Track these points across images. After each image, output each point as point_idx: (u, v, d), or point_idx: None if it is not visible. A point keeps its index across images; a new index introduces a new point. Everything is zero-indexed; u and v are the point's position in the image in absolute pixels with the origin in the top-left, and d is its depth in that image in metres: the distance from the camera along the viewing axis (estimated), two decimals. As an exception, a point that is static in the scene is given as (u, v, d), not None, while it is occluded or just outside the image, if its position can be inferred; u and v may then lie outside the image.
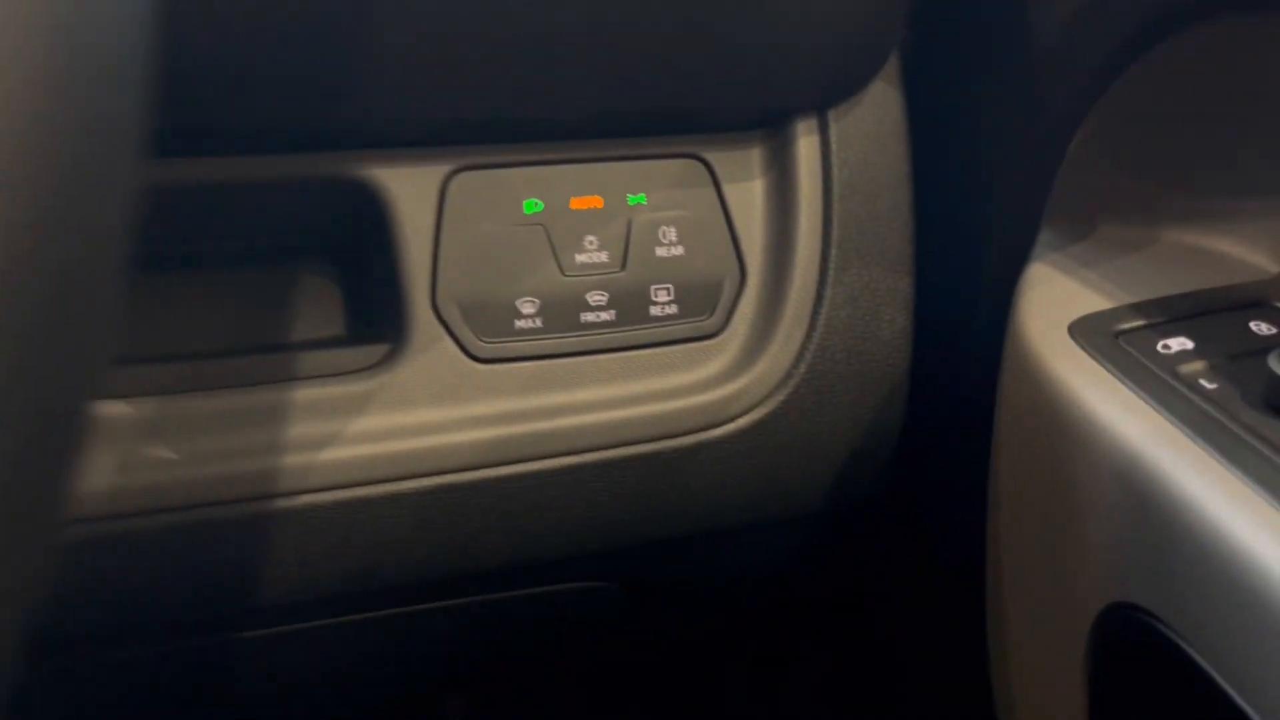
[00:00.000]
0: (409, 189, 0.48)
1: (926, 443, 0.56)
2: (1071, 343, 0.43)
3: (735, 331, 0.53)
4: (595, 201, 0.51)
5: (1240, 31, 0.45)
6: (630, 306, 0.51)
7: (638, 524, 0.53)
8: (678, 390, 0.51)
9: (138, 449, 0.45)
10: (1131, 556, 0.38)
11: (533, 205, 0.50)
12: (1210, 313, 0.44)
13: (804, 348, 0.53)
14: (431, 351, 0.48)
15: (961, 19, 0.55)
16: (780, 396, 0.52)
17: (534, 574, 0.54)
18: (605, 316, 0.51)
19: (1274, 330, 0.42)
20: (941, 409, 0.55)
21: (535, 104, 0.48)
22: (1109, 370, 0.41)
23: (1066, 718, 0.43)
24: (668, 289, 0.52)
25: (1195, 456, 0.36)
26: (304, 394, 0.47)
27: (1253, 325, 0.43)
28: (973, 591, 0.51)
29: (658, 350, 0.51)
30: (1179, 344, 0.42)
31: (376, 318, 0.49)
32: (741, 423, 0.52)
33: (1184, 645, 0.35)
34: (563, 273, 0.50)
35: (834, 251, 0.53)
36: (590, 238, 0.51)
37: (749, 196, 0.53)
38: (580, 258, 0.51)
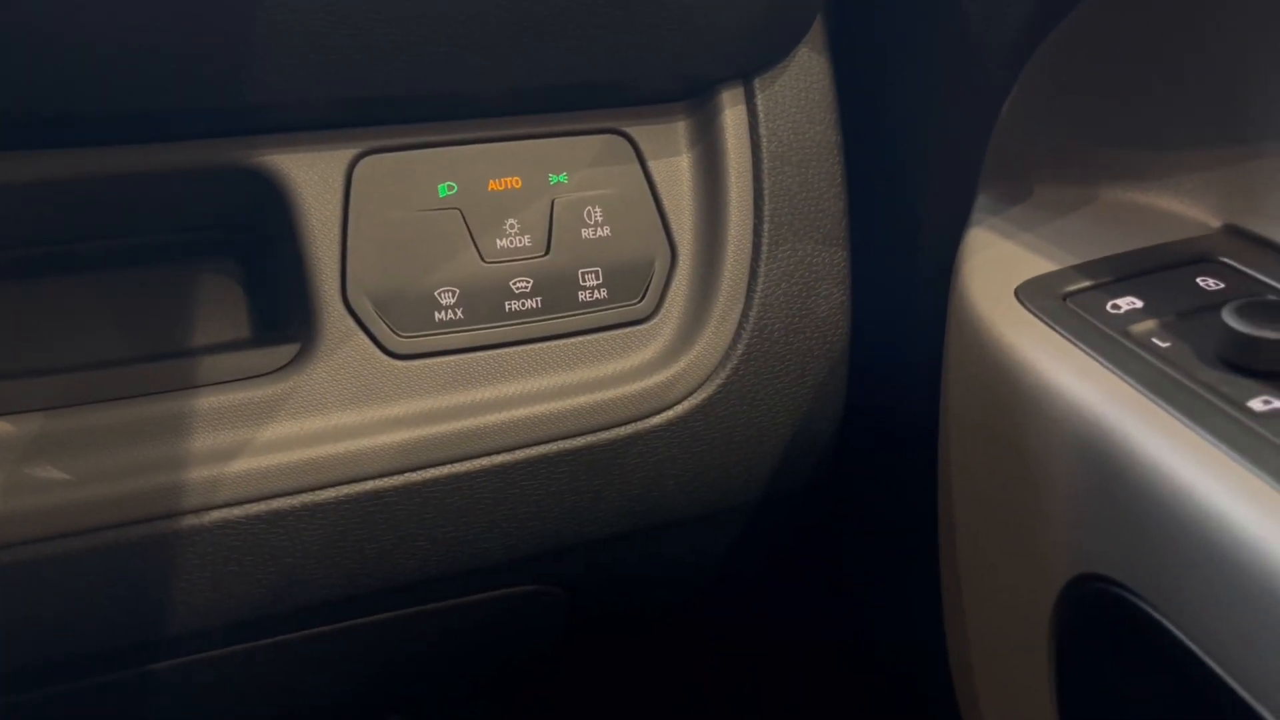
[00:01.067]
0: (312, 176, 0.45)
1: (873, 420, 0.54)
2: (1019, 307, 0.41)
3: (668, 315, 0.50)
4: (514, 182, 0.48)
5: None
6: (556, 293, 0.48)
7: (575, 523, 0.50)
8: (610, 379, 0.49)
9: (23, 470, 0.41)
10: (1096, 526, 0.36)
11: (447, 188, 0.47)
12: (1157, 270, 0.42)
13: (740, 328, 0.50)
14: (345, 349, 0.45)
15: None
16: (718, 380, 0.50)
17: (468, 581, 0.51)
18: (530, 304, 0.48)
19: (1222, 285, 0.41)
20: (887, 384, 0.53)
21: (444, 81, 0.45)
22: (1060, 333, 0.39)
23: (1031, 701, 0.41)
24: (596, 272, 0.49)
25: (1156, 417, 0.35)
26: (208, 401, 0.43)
27: (1200, 281, 0.42)
28: (930, 572, 0.49)
29: (588, 337, 0.49)
30: (1128, 303, 0.40)
31: (284, 316, 0.46)
32: (679, 409, 0.49)
33: (1156, 614, 0.34)
34: (483, 259, 0.47)
35: (766, 226, 0.51)
36: (511, 221, 0.48)
37: (676, 172, 0.51)
38: (501, 243, 0.48)
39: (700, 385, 0.50)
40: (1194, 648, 0.33)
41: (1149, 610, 0.34)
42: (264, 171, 0.44)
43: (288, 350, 0.45)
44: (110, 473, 0.41)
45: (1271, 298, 0.39)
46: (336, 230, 0.45)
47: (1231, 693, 0.31)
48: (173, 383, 0.43)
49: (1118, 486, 0.35)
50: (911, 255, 0.51)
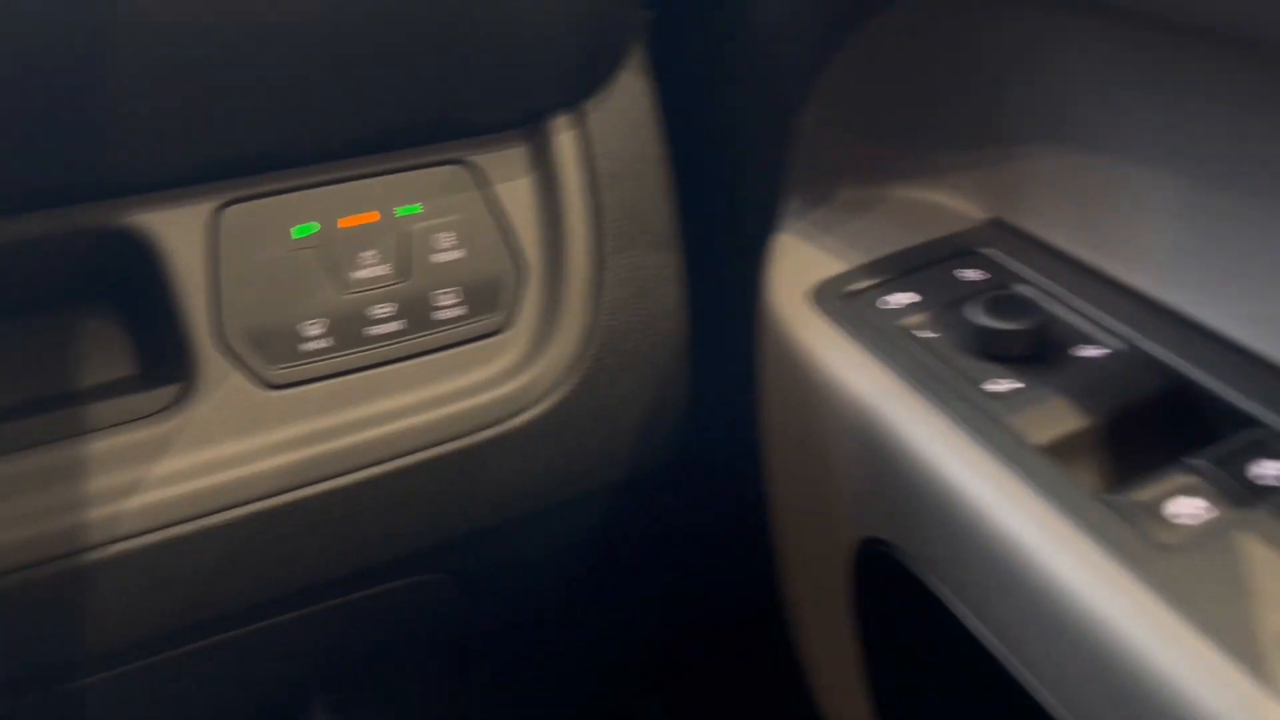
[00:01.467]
0: (176, 230, 0.49)
1: (712, 406, 0.61)
2: (811, 308, 0.48)
3: (522, 325, 0.55)
4: (368, 217, 0.53)
5: (938, 7, 0.50)
6: (416, 314, 0.53)
7: (452, 519, 0.56)
8: (473, 388, 0.54)
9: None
10: (873, 500, 0.43)
11: (304, 229, 0.51)
12: (928, 265, 0.49)
13: (589, 332, 0.56)
14: (223, 385, 0.49)
15: (692, 5, 0.58)
16: (572, 380, 0.55)
17: (362, 579, 0.56)
18: (393, 327, 0.53)
19: (980, 275, 0.48)
20: (719, 376, 0.59)
21: (291, 135, 0.49)
22: (842, 331, 0.46)
23: (841, 643, 0.48)
24: (451, 292, 0.54)
25: (914, 404, 0.42)
26: (101, 445, 0.47)
27: (965, 273, 0.48)
28: (767, 535, 0.56)
29: (449, 352, 0.54)
30: (901, 299, 0.47)
31: (164, 359, 0.50)
32: (538, 410, 0.55)
33: (920, 574, 0.41)
34: (344, 290, 0.52)
35: (606, 238, 0.56)
36: (368, 253, 0.53)
37: (519, 194, 0.56)
38: (360, 274, 0.52)
39: (556, 386, 0.55)
40: (951, 599, 0.40)
41: (914, 568, 0.41)
42: (131, 231, 0.48)
43: (170, 390, 0.49)
44: (13, 519, 0.46)
45: (1012, 291, 0.46)
46: (204, 277, 0.49)
47: (984, 639, 0.38)
48: (66, 430, 0.47)
49: (886, 466, 0.42)
50: (731, 258, 0.57)
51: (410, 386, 0.53)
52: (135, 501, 0.47)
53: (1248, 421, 0.38)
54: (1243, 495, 0.35)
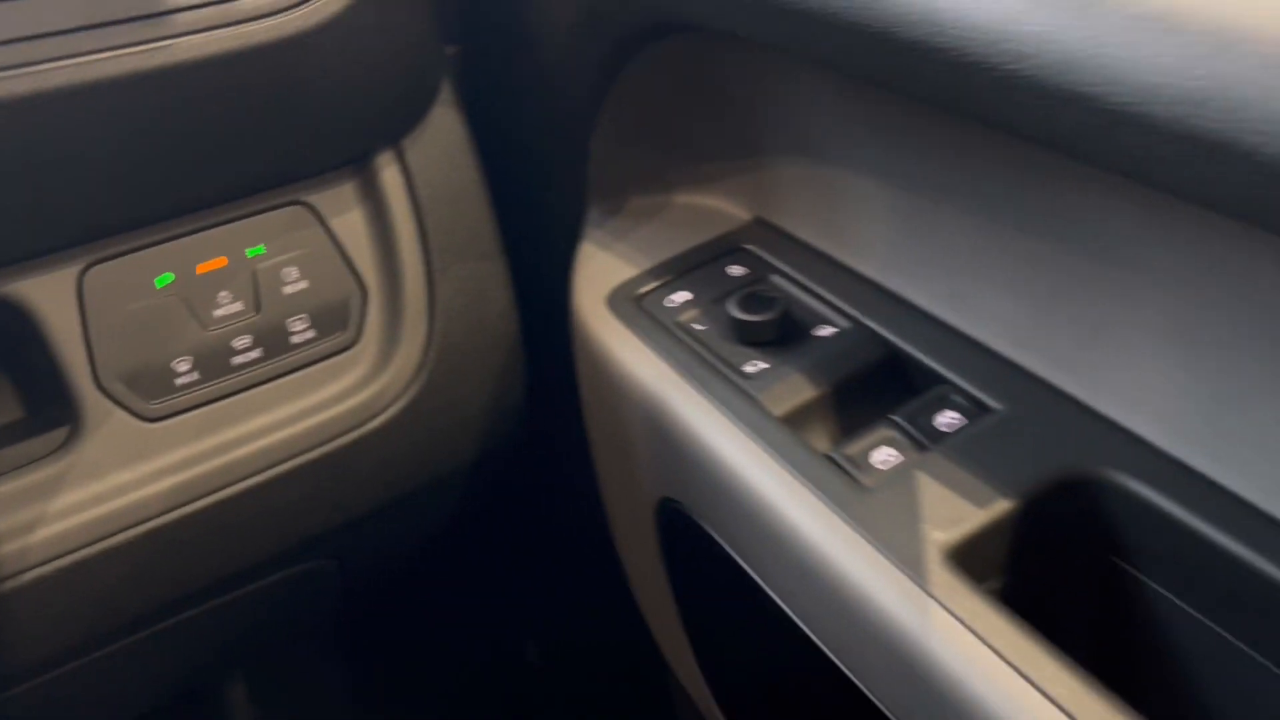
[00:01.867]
0: (47, 293, 0.55)
1: (546, 393, 0.70)
2: (607, 312, 0.57)
3: (369, 339, 0.64)
4: (219, 262, 0.60)
5: (696, 41, 0.59)
6: (273, 341, 0.61)
7: (327, 512, 0.64)
8: (331, 400, 0.62)
9: None
10: (663, 465, 0.54)
11: (164, 279, 0.58)
12: (703, 264, 0.59)
13: (429, 338, 0.64)
14: (107, 424, 0.57)
15: (493, 40, 0.66)
16: (418, 383, 0.64)
17: (256, 571, 0.65)
18: (253, 355, 0.60)
19: (744, 271, 0.58)
20: (549, 367, 0.69)
21: (143, 198, 0.56)
22: (632, 331, 0.55)
23: (660, 587, 0.59)
24: (302, 318, 0.62)
25: (686, 388, 0.52)
26: (2, 488, 0.54)
27: (731, 269, 0.58)
28: (597, 497, 0.66)
29: (306, 371, 0.62)
30: (678, 298, 0.57)
31: (51, 406, 0.57)
32: (390, 413, 0.63)
33: (703, 524, 0.51)
34: (205, 329, 0.59)
35: (434, 255, 0.64)
36: (224, 293, 0.60)
37: (353, 225, 0.63)
38: (219, 312, 0.60)
39: (405, 390, 0.64)
40: (730, 551, 0.50)
41: (697, 520, 0.52)
42: (11, 300, 0.54)
43: (60, 433, 0.56)
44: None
45: (762, 287, 0.56)
46: (79, 331, 0.56)
47: (746, 573, 0.49)
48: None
49: (669, 438, 0.52)
50: (549, 267, 0.66)
51: (275, 405, 0.61)
52: (41, 533, 0.54)
53: (939, 380, 0.49)
54: (928, 441, 0.46)
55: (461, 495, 0.71)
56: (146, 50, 0.51)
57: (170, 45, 0.52)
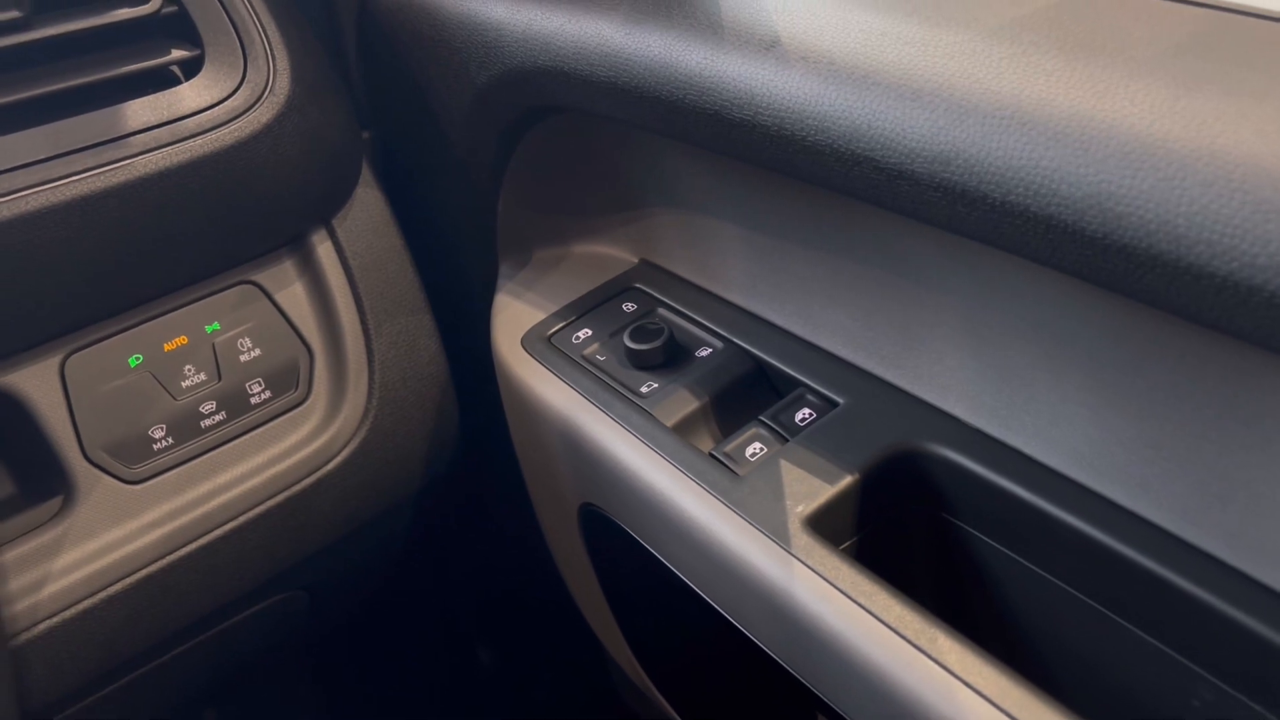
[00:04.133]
0: (35, 381, 0.63)
1: (479, 423, 0.80)
2: (523, 352, 0.67)
3: (318, 395, 0.73)
4: (183, 340, 0.69)
5: (576, 118, 0.69)
6: (234, 404, 0.70)
7: (294, 547, 0.73)
8: (290, 449, 0.71)
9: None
10: (580, 476, 0.64)
11: (136, 359, 0.67)
12: (601, 304, 0.70)
13: (370, 388, 0.74)
14: (97, 491, 0.65)
15: (402, 125, 0.76)
16: (364, 428, 0.73)
17: (233, 606, 0.73)
18: (219, 418, 0.69)
19: (634, 306, 0.69)
20: (480, 401, 0.78)
21: (111, 294, 0.65)
22: (545, 367, 0.66)
23: (587, 579, 0.69)
24: (258, 382, 0.71)
25: (593, 410, 0.62)
26: (10, 555, 0.62)
27: (624, 306, 0.69)
28: (527, 507, 0.76)
29: (266, 427, 0.71)
30: (582, 334, 0.67)
31: (45, 479, 0.65)
32: (343, 455, 0.73)
33: (618, 522, 0.62)
34: (175, 399, 0.68)
35: (369, 315, 0.74)
36: (189, 366, 0.69)
37: (296, 296, 0.73)
38: (185, 383, 0.68)
39: (353, 435, 0.73)
40: (641, 541, 0.61)
41: (613, 519, 0.62)
42: (2, 389, 0.62)
43: (55, 502, 0.65)
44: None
45: (650, 320, 0.67)
46: (64, 412, 0.64)
47: (655, 557, 0.59)
48: (-21, 548, 0.62)
49: (583, 454, 0.62)
50: (471, 316, 0.76)
51: (242, 459, 0.70)
52: (48, 590, 0.63)
53: (797, 384, 0.60)
54: (787, 435, 0.57)
55: (411, 521, 0.81)
56: (108, 170, 0.60)
57: (129, 164, 0.61)
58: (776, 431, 0.58)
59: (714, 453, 0.57)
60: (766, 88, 0.48)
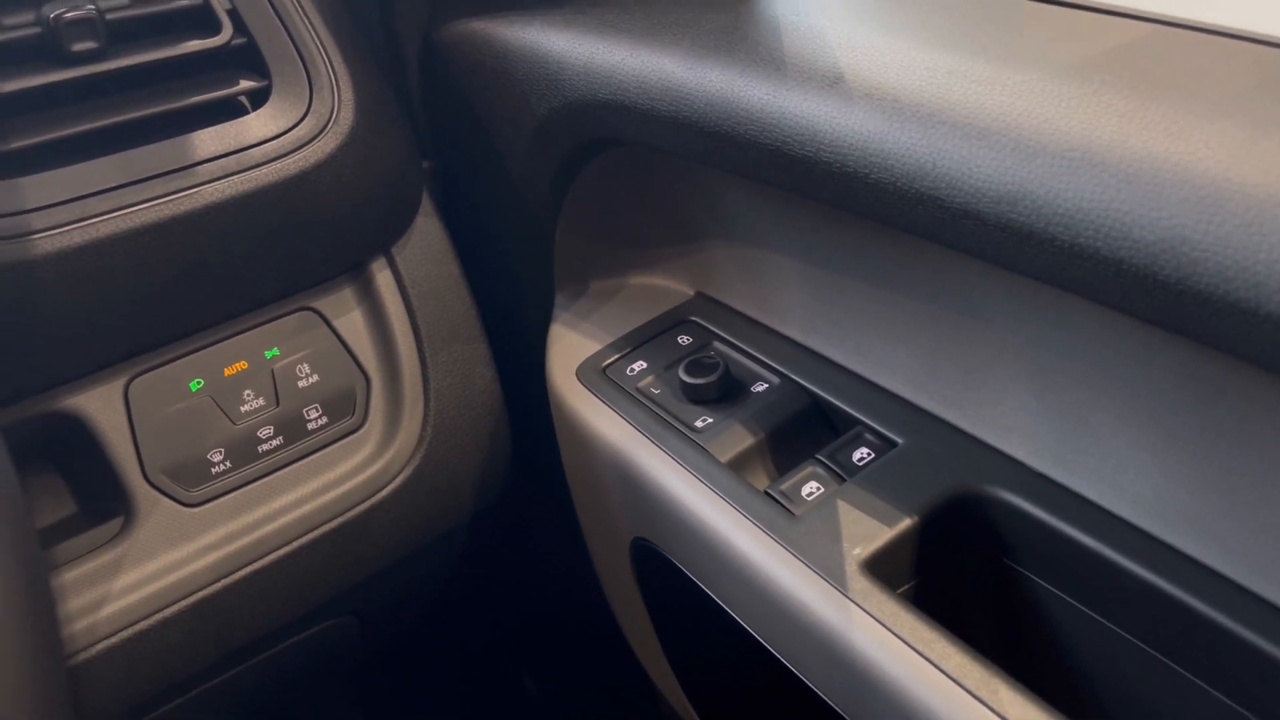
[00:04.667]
0: (99, 404, 0.65)
1: (532, 453, 0.80)
2: (578, 383, 0.67)
3: (374, 422, 0.73)
4: (243, 365, 0.70)
5: (635, 150, 0.69)
6: (292, 430, 0.70)
7: (347, 572, 0.73)
8: (345, 475, 0.72)
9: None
10: (633, 511, 0.63)
11: (197, 384, 0.68)
12: (655, 336, 0.69)
13: (426, 416, 0.74)
14: (156, 512, 0.66)
15: (463, 155, 0.76)
16: (418, 456, 0.74)
17: (286, 630, 0.74)
18: (276, 443, 0.70)
19: (690, 340, 0.68)
20: (534, 430, 0.78)
21: (176, 319, 0.66)
22: (599, 398, 0.66)
23: (637, 613, 0.68)
24: (316, 408, 0.71)
25: (647, 444, 0.62)
26: (73, 573, 0.63)
27: (680, 339, 0.69)
28: (582, 543, 0.76)
29: (322, 453, 0.71)
30: (637, 366, 0.67)
31: (106, 500, 0.66)
32: (397, 482, 0.73)
33: (670, 558, 0.61)
34: (234, 424, 0.69)
35: (425, 343, 0.74)
36: (248, 391, 0.70)
37: (355, 324, 0.74)
38: (244, 408, 0.69)
39: (407, 463, 0.73)
40: (694, 578, 0.60)
41: (665, 554, 0.61)
42: (69, 412, 0.64)
43: (116, 523, 0.66)
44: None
45: (706, 353, 0.67)
46: (128, 434, 0.65)
47: (707, 594, 0.59)
48: (48, 565, 0.63)
49: (636, 488, 0.62)
50: (524, 346, 0.76)
51: (298, 484, 0.70)
52: (107, 610, 0.64)
53: (854, 422, 0.60)
54: (845, 475, 0.56)
55: (462, 549, 0.81)
56: (176, 198, 0.61)
57: (196, 192, 0.62)
58: (834, 470, 0.57)
59: (769, 491, 0.56)
60: (829, 124, 0.48)
